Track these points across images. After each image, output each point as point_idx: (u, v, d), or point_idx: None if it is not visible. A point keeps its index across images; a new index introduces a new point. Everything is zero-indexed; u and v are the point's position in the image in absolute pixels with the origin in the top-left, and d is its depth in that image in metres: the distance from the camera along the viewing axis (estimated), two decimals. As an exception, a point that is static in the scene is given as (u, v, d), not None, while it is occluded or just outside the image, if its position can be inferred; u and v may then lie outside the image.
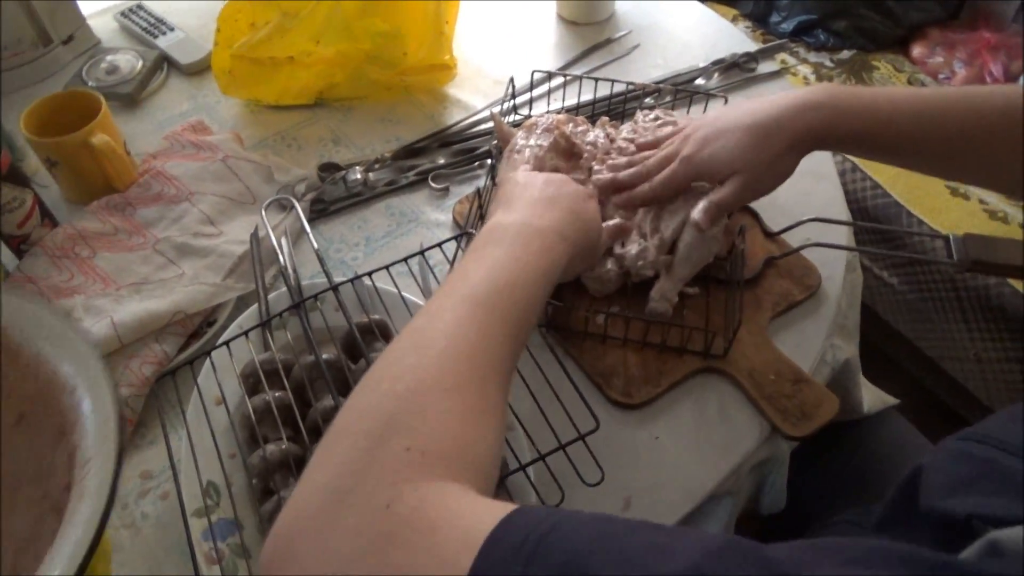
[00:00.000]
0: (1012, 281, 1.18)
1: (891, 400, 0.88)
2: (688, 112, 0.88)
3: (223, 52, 0.87)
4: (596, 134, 0.81)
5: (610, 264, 0.72)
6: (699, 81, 0.97)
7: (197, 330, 0.70)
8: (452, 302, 0.46)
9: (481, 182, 0.81)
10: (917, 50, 1.58)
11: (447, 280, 0.50)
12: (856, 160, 1.37)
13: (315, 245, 0.71)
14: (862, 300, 1.42)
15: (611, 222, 0.71)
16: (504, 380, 0.45)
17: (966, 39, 1.55)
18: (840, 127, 0.63)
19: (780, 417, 0.65)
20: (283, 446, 0.56)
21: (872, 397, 0.85)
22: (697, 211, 0.68)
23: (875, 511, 0.63)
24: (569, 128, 0.80)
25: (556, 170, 0.77)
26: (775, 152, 0.64)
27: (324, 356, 0.61)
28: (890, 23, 1.57)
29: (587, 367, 0.68)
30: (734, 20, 1.66)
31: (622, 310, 0.71)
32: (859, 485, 0.82)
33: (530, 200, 0.57)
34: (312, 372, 0.61)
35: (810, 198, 0.83)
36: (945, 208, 1.27)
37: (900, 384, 1.46)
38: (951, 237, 0.73)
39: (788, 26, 1.58)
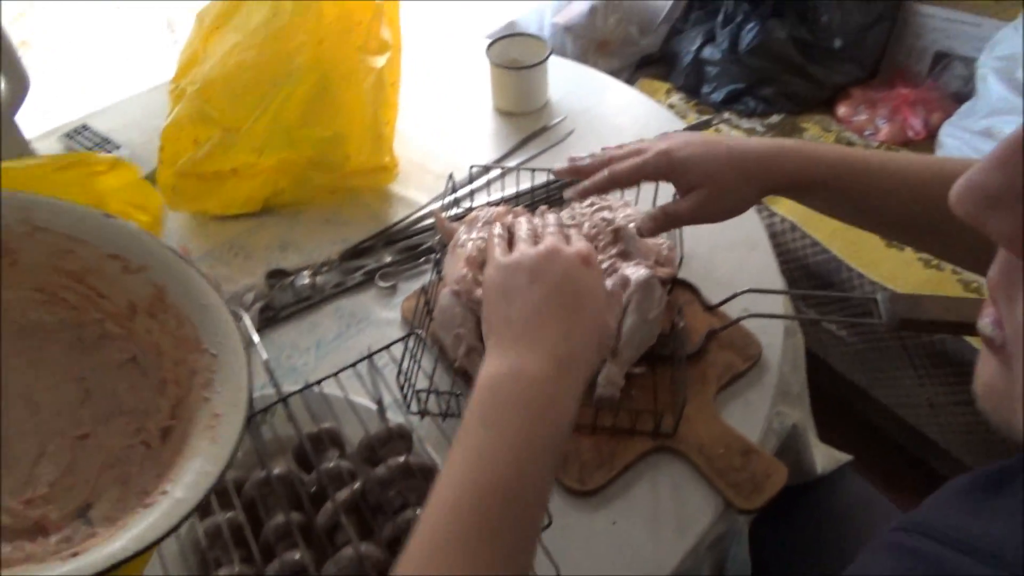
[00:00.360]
0: (953, 326, 1.22)
1: (844, 457, 0.89)
2: (622, 196, 0.91)
3: (167, 169, 0.89)
4: (535, 223, 0.84)
5: (556, 351, 0.74)
6: (632, 162, 1.01)
7: (148, 452, 0.69)
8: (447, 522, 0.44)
9: (427, 277, 0.83)
10: (842, 110, 1.66)
11: (449, 464, 0.47)
12: (794, 219, 1.42)
13: (263, 356, 0.72)
14: (815, 352, 1.47)
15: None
16: None
17: (885, 96, 1.63)
18: (806, 174, 0.64)
19: (732, 491, 0.66)
20: (235, 570, 0.56)
21: (825, 457, 0.87)
22: (644, 217, 0.70)
23: None
24: (509, 219, 0.82)
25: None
26: (745, 180, 0.65)
27: (275, 471, 0.61)
28: (814, 86, 1.65)
29: (541, 456, 0.69)
30: (668, 92, 1.73)
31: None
32: (819, 546, 0.82)
33: (533, 323, 0.51)
34: (263, 488, 0.61)
35: (745, 268, 0.86)
36: (882, 260, 1.32)
37: (859, 433, 1.49)
38: (879, 298, 0.76)
39: (719, 96, 1.66)
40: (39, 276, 0.53)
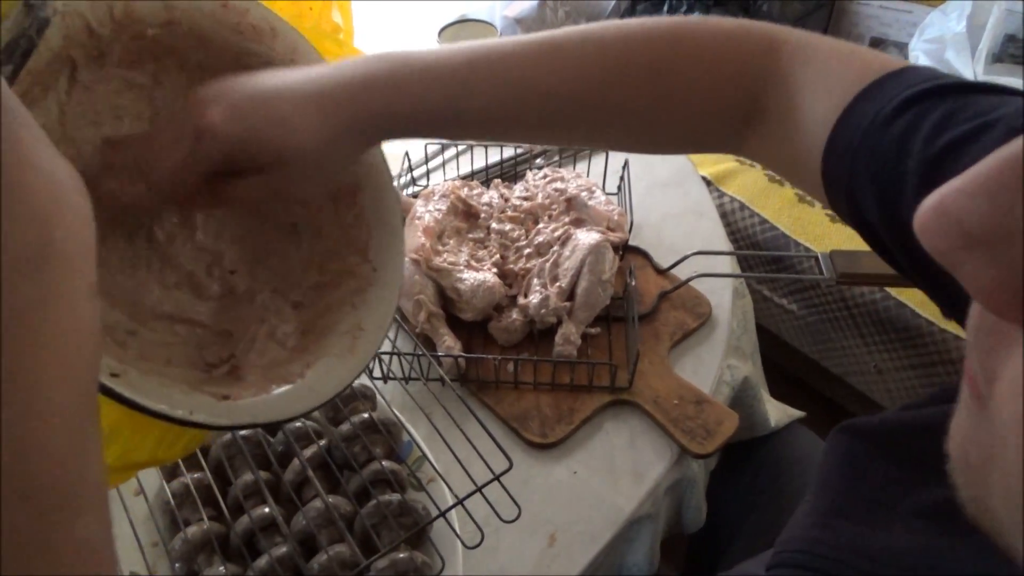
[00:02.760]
0: (894, 292, 1.27)
1: (797, 413, 0.93)
2: (575, 168, 0.94)
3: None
4: (491, 195, 0.86)
5: (515, 314, 0.76)
6: (583, 139, 1.04)
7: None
8: None
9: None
10: (785, 95, 1.72)
11: None
12: (742, 198, 1.47)
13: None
14: (767, 328, 1.52)
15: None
16: None
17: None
18: (406, 107, 0.46)
19: (687, 438, 0.69)
20: (204, 526, 0.57)
21: (778, 413, 0.90)
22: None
23: None
24: (464, 192, 0.85)
25: (456, 231, 0.81)
26: (332, 141, 0.45)
27: (241, 433, 0.62)
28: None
29: (503, 413, 0.71)
30: (618, 83, 1.77)
31: (532, 355, 0.75)
32: (774, 495, 0.86)
33: None
34: (230, 449, 0.62)
35: (694, 235, 0.90)
36: (826, 234, 1.37)
37: (811, 402, 1.54)
38: (819, 256, 0.81)
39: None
40: None
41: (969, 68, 1.42)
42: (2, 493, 0.22)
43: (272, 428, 0.65)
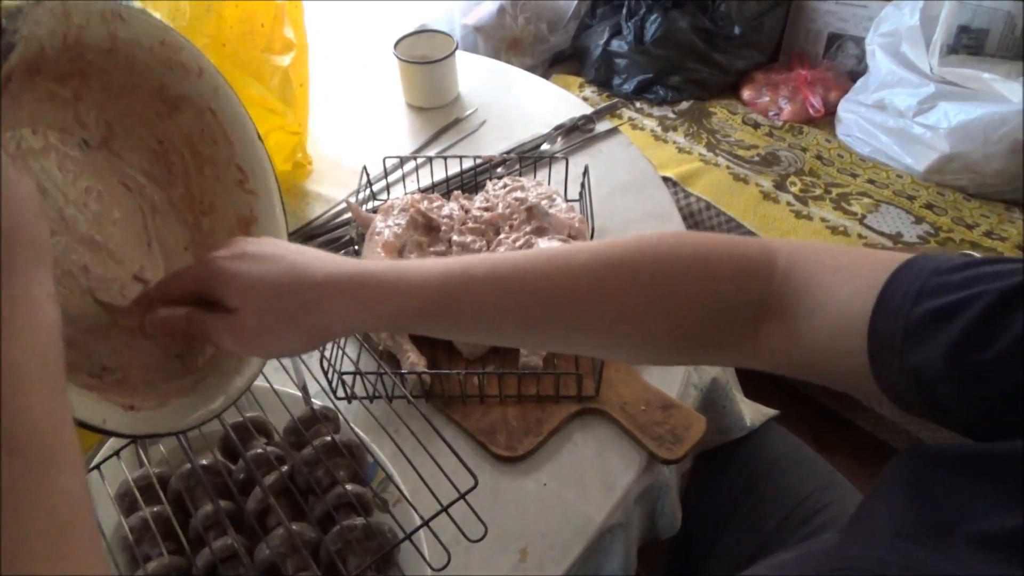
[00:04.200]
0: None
1: (771, 412, 0.93)
2: (535, 176, 0.93)
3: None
4: (451, 207, 0.86)
5: (479, 327, 0.75)
6: (544, 147, 1.04)
7: (68, 460, 0.68)
8: None
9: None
10: (747, 93, 1.73)
11: None
12: (710, 197, 1.47)
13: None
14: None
15: None
16: None
17: (786, 78, 1.71)
18: (396, 308, 0.49)
19: (655, 444, 0.68)
20: (165, 561, 0.55)
21: (753, 412, 0.90)
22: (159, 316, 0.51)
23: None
24: (424, 205, 0.84)
25: (418, 245, 0.80)
26: (289, 317, 0.48)
27: (201, 462, 0.61)
28: (718, 72, 1.72)
29: (470, 428, 0.70)
30: (581, 87, 1.78)
31: (497, 368, 0.74)
32: (753, 497, 0.86)
33: None
34: (190, 480, 0.60)
35: (657, 238, 0.90)
36: (792, 230, 1.38)
37: (787, 399, 1.55)
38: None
39: (629, 87, 1.70)
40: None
41: (924, 60, 1.44)
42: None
43: (233, 458, 0.63)
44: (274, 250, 0.50)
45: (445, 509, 0.55)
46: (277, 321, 0.48)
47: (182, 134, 0.56)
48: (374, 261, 0.52)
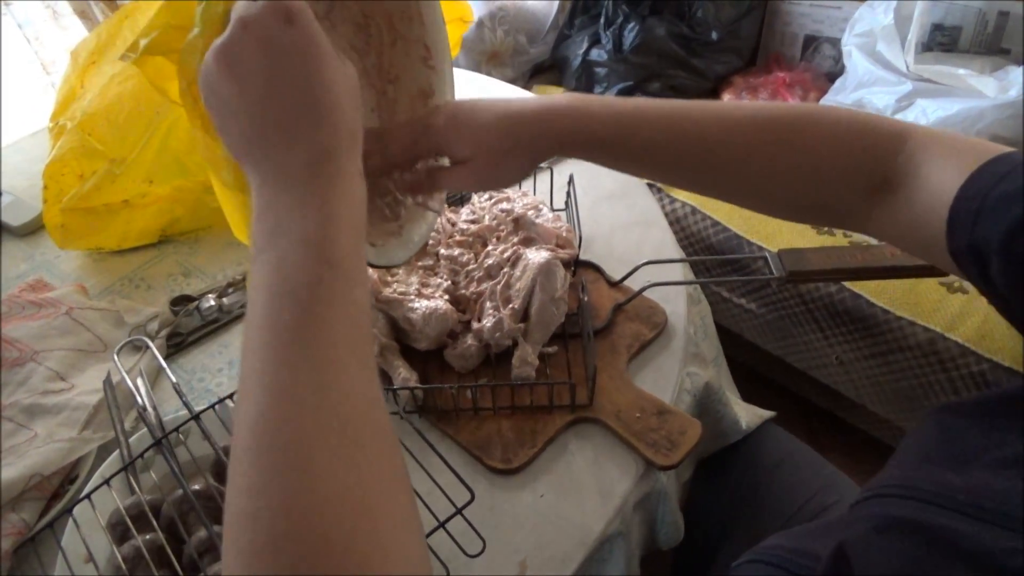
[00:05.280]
0: (848, 284, 1.29)
1: (767, 413, 0.93)
2: (520, 187, 0.93)
3: (53, 208, 0.87)
4: (438, 221, 0.85)
5: (470, 340, 0.75)
6: (528, 157, 1.03)
7: (58, 490, 0.67)
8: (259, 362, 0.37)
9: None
10: (727, 97, 1.74)
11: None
12: (694, 202, 1.48)
13: (172, 379, 0.70)
14: (730, 329, 1.52)
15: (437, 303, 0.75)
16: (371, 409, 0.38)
17: (764, 81, 1.72)
18: (582, 133, 0.59)
19: (651, 450, 0.68)
20: (160, 589, 0.54)
21: (748, 415, 0.90)
22: (406, 178, 0.64)
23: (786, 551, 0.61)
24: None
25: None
26: (514, 148, 0.59)
27: (193, 487, 0.60)
28: (698, 78, 1.73)
29: (464, 442, 0.70)
30: (562, 97, 1.78)
31: (489, 381, 0.74)
32: (753, 500, 0.85)
33: (259, 132, 0.42)
34: (182, 507, 0.59)
35: (643, 245, 0.90)
36: (778, 231, 1.39)
37: (781, 399, 1.55)
38: (768, 255, 0.81)
39: (610, 95, 1.71)
40: None
41: (900, 59, 1.45)
42: (320, 262, 0.38)
43: (225, 479, 0.62)
44: (476, 104, 0.60)
45: (442, 525, 0.55)
46: (505, 158, 0.60)
47: (385, 12, 0.64)
48: (555, 101, 0.60)
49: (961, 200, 0.47)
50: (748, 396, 0.96)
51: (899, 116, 1.44)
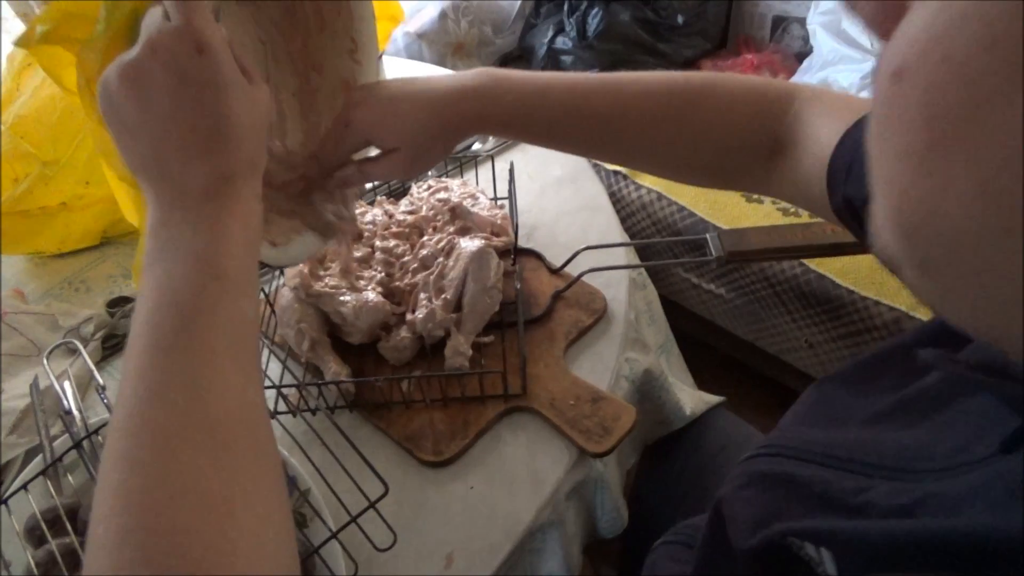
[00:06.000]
0: (813, 265, 1.27)
1: (715, 399, 0.92)
2: (462, 177, 0.92)
3: (-12, 212, 0.86)
4: (374, 213, 0.84)
5: (403, 332, 0.74)
6: (476, 146, 1.02)
7: (-18, 498, 0.66)
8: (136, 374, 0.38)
9: (270, 285, 0.82)
10: (696, 82, 1.73)
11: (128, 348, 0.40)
12: (660, 188, 1.46)
13: (99, 381, 0.70)
14: (700, 314, 1.51)
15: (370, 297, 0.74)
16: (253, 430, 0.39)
17: (733, 63, 1.71)
18: (491, 114, 0.61)
19: (583, 437, 0.67)
20: (69, 594, 0.54)
21: (694, 401, 0.89)
22: (338, 176, 0.65)
23: (699, 527, 0.64)
24: (346, 213, 0.82)
25: (339, 253, 0.79)
26: (438, 134, 0.61)
27: (111, 490, 0.59)
28: (665, 63, 1.71)
29: (396, 435, 0.69)
30: (530, 87, 1.77)
31: (424, 372, 0.73)
32: (699, 485, 0.84)
33: (159, 154, 0.43)
34: (98, 509, 0.58)
35: (589, 230, 0.89)
36: (744, 215, 1.37)
37: (752, 383, 1.54)
38: (708, 236, 0.80)
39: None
40: None
41: (864, 36, 1.43)
42: (206, 274, 0.40)
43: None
44: (392, 92, 0.61)
45: (354, 519, 0.54)
46: (430, 143, 0.61)
47: (314, 0, 0.64)
48: (470, 80, 0.61)
49: (836, 157, 0.49)
50: (720, 381, 0.95)
51: (865, 94, 1.42)
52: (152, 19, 0.44)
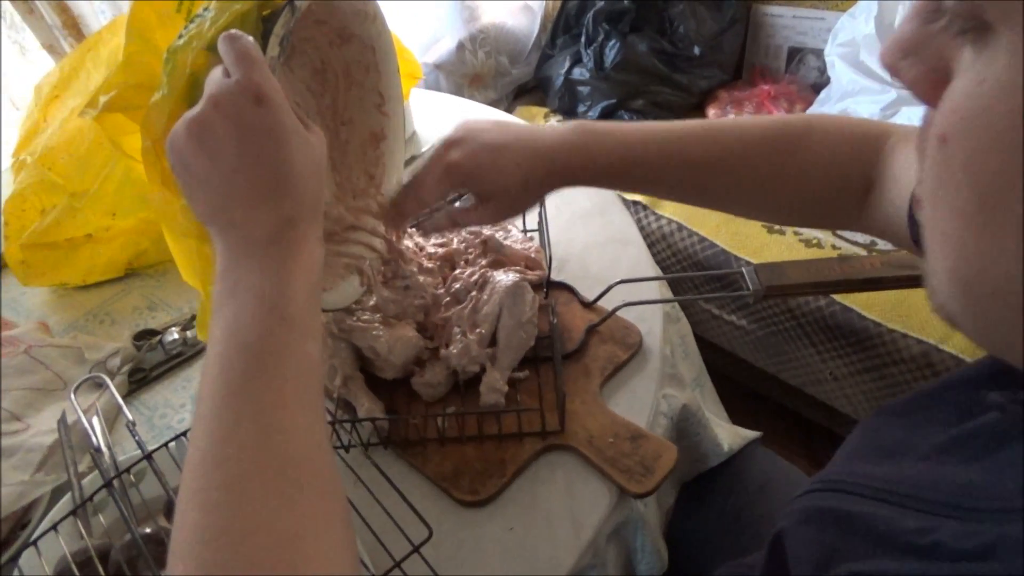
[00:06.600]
0: (838, 298, 1.26)
1: (751, 434, 0.90)
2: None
3: (14, 244, 0.85)
4: (406, 246, 0.83)
5: (437, 368, 0.73)
6: (502, 178, 1.02)
7: (8, 536, 0.65)
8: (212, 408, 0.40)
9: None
10: (712, 112, 1.73)
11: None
12: (680, 219, 1.46)
13: (128, 417, 0.68)
14: (721, 346, 1.50)
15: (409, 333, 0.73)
16: (317, 459, 0.41)
17: (749, 94, 1.71)
18: (591, 167, 0.63)
19: (624, 477, 0.65)
20: (102, 641, 0.52)
21: (731, 436, 0.87)
22: (432, 218, 0.68)
23: (751, 565, 0.64)
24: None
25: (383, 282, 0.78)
26: (531, 186, 0.63)
27: (144, 530, 0.58)
28: (682, 93, 1.72)
29: (431, 473, 0.67)
30: (547, 116, 1.77)
31: (458, 409, 0.71)
32: (738, 524, 0.82)
33: (227, 201, 0.45)
34: (130, 552, 0.57)
35: (619, 263, 0.87)
36: (765, 246, 1.36)
37: (775, 416, 1.52)
38: (744, 271, 0.79)
39: (594, 113, 1.70)
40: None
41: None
42: (274, 317, 0.41)
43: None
44: (495, 145, 0.62)
45: (398, 564, 0.53)
46: (522, 194, 0.63)
47: (343, 60, 0.66)
48: (567, 134, 0.63)
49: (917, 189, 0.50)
50: (743, 415, 0.93)
51: (885, 125, 1.42)
52: (214, 77, 0.46)
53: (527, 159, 0.62)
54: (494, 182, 0.62)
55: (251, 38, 0.46)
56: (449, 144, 0.63)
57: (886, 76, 1.41)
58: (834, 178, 0.60)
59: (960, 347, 1.16)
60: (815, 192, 0.62)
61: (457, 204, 0.68)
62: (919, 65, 0.27)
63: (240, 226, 0.44)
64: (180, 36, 0.53)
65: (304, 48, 0.64)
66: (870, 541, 0.37)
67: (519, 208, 0.66)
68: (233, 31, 0.46)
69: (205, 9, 0.53)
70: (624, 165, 0.63)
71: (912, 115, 1.36)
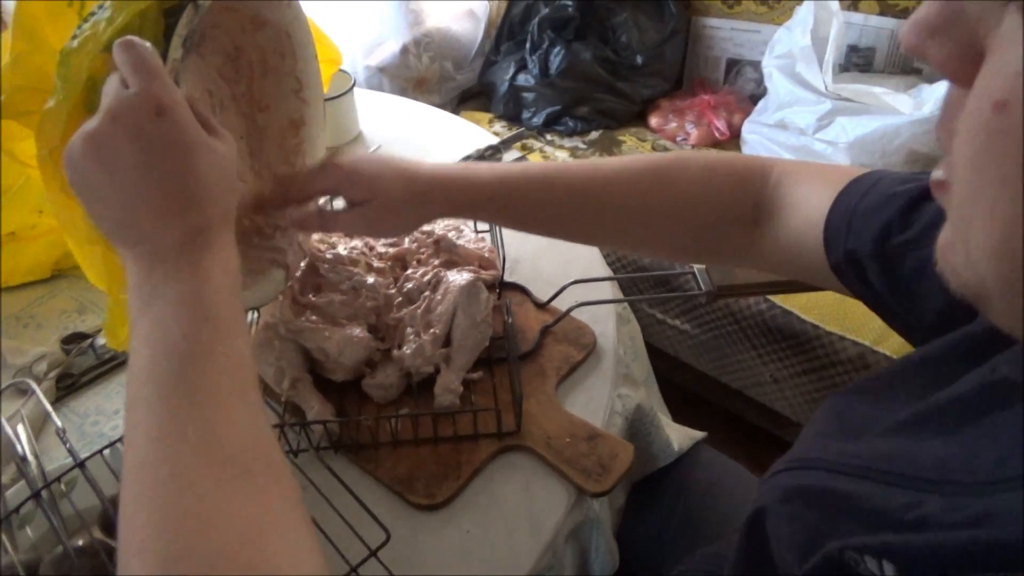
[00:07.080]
0: (778, 300, 1.29)
1: (698, 435, 0.91)
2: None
3: (-70, 242, 0.79)
4: (353, 245, 0.81)
5: (389, 368, 0.71)
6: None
7: (-78, 557, 0.60)
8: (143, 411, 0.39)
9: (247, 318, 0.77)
10: (654, 120, 1.75)
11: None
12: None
13: (58, 424, 0.64)
14: (664, 350, 1.51)
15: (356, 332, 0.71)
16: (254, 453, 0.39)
17: (690, 104, 1.74)
18: (469, 192, 0.62)
19: (582, 476, 0.64)
20: (30, 663, 0.48)
21: (680, 436, 0.88)
22: (298, 212, 0.64)
23: (721, 554, 0.63)
24: (323, 245, 0.79)
25: (316, 288, 0.75)
26: (409, 200, 0.61)
27: (76, 543, 0.54)
28: (625, 101, 1.74)
29: (384, 477, 0.65)
30: (491, 122, 1.77)
31: (411, 411, 0.69)
32: (691, 523, 0.83)
33: (131, 216, 0.43)
34: (62, 566, 0.53)
35: (571, 264, 0.87)
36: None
37: (716, 419, 1.54)
38: (695, 271, 0.79)
39: (538, 120, 1.70)
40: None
41: (819, 79, 1.48)
42: (197, 318, 0.40)
43: (115, 533, 0.56)
44: (378, 158, 0.62)
45: (354, 569, 0.50)
46: (399, 207, 0.61)
47: (257, 46, 0.64)
48: (449, 165, 0.64)
49: (832, 217, 0.52)
50: (686, 418, 0.94)
51: (820, 134, 1.47)
52: (111, 86, 0.44)
53: (404, 173, 0.61)
54: (367, 185, 0.60)
55: (148, 44, 0.44)
56: (334, 154, 0.63)
57: (821, 87, 1.46)
58: (716, 207, 0.60)
59: (893, 348, 1.19)
60: (699, 221, 0.61)
61: (330, 208, 0.67)
62: (948, 44, 0.27)
63: (148, 239, 0.43)
64: (74, 37, 0.49)
65: (215, 35, 0.62)
66: (859, 517, 0.37)
67: (394, 223, 0.63)
68: (128, 38, 0.43)
69: (100, 7, 0.49)
70: (504, 189, 0.62)
71: (847, 125, 1.41)
